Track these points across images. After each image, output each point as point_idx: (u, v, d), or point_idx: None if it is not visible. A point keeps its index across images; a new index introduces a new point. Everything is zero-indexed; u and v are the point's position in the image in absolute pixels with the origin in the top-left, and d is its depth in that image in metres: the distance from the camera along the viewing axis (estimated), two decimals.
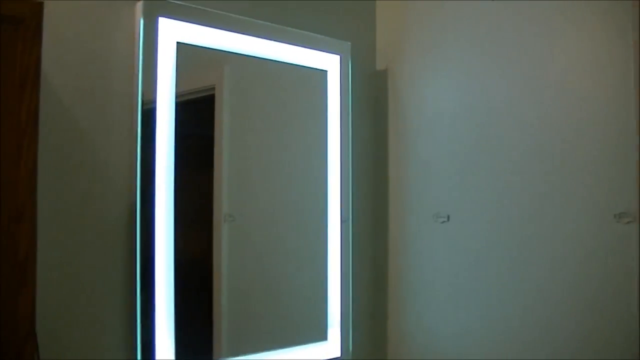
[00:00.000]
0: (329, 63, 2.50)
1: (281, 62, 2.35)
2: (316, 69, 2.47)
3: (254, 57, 2.27)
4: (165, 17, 2.00)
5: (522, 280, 2.26)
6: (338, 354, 2.47)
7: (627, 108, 2.02)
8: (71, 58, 1.86)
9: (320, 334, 2.44)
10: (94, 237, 1.88)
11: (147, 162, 1.95)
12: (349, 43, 2.55)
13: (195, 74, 2.15)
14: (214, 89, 2.24)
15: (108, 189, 1.92)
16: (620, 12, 2.05)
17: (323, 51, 2.47)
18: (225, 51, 2.19)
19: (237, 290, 2.24)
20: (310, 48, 2.43)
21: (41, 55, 1.45)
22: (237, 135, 2.25)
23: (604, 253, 2.07)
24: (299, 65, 2.41)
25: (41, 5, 1.46)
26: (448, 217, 2.48)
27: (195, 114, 2.16)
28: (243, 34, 2.21)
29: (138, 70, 1.94)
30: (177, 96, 2.01)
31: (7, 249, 1.39)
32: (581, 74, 2.15)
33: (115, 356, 1.91)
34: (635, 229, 1.99)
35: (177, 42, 2.02)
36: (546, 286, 2.20)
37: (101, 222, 1.90)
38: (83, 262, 1.86)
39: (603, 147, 2.08)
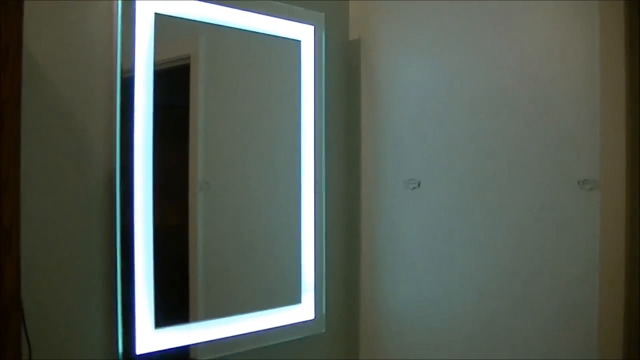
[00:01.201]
0: (303, 33, 2.51)
1: (256, 32, 2.36)
2: (290, 39, 2.48)
3: (230, 27, 2.28)
4: None
5: (490, 245, 2.32)
6: (312, 317, 2.53)
7: (590, 77, 2.06)
8: (51, 29, 1.86)
9: (294, 298, 2.50)
10: (75, 205, 1.91)
11: (126, 131, 1.97)
12: (323, 14, 2.57)
13: (171, 44, 2.15)
14: (189, 58, 2.25)
15: (88, 158, 1.95)
16: None
17: (297, 21, 2.48)
18: (200, 21, 2.20)
19: (213, 255, 2.28)
20: (285, 18, 2.44)
21: (23, 28, 1.46)
22: (212, 104, 2.27)
23: (569, 218, 2.12)
24: (273, 35, 2.42)
25: None
26: (419, 184, 2.53)
27: (172, 83, 2.17)
28: (218, 4, 2.22)
29: (117, 40, 1.96)
30: (155, 65, 2.04)
31: None
32: (547, 45, 2.19)
33: (97, 321, 1.95)
34: (598, 195, 2.05)
35: (155, 13, 2.04)
36: (514, 250, 2.26)
37: (82, 191, 1.93)
38: (64, 229, 1.89)
39: (567, 115, 2.13)
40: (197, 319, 2.19)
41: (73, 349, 1.90)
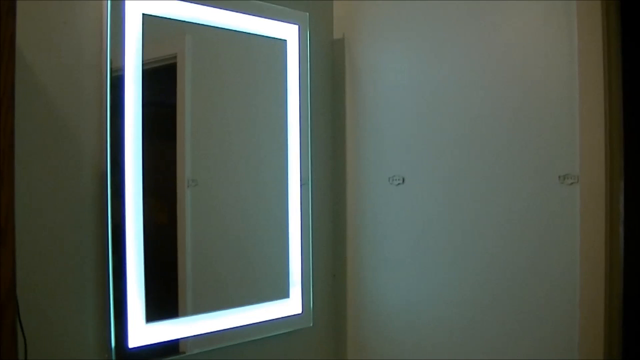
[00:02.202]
0: (288, 33, 2.54)
1: (241, 31, 2.39)
2: (276, 38, 2.51)
3: (216, 27, 2.31)
4: None
5: (473, 241, 2.36)
6: (299, 311, 2.56)
7: (570, 72, 2.10)
8: (41, 30, 1.89)
9: (282, 292, 2.53)
10: (67, 202, 1.94)
11: (117, 128, 2.00)
12: (307, 13, 2.60)
13: (158, 44, 2.18)
14: (175, 57, 2.27)
15: (80, 156, 1.97)
16: None
17: (282, 21, 2.51)
18: (186, 21, 2.23)
19: (202, 251, 2.30)
20: (270, 18, 2.47)
21: (16, 29, 1.49)
22: (198, 102, 2.29)
23: (550, 212, 2.16)
24: (259, 34, 2.45)
25: None
26: (403, 180, 2.57)
27: (160, 82, 2.19)
28: (205, 5, 2.26)
29: (106, 40, 1.98)
30: (143, 64, 2.07)
31: None
32: (527, 41, 2.23)
33: (90, 316, 1.98)
34: (578, 189, 2.09)
35: (143, 14, 2.07)
36: (497, 244, 2.30)
37: (74, 188, 1.95)
38: (58, 226, 1.92)
39: (548, 110, 2.17)
40: (186, 313, 2.22)
41: (67, 342, 1.93)
